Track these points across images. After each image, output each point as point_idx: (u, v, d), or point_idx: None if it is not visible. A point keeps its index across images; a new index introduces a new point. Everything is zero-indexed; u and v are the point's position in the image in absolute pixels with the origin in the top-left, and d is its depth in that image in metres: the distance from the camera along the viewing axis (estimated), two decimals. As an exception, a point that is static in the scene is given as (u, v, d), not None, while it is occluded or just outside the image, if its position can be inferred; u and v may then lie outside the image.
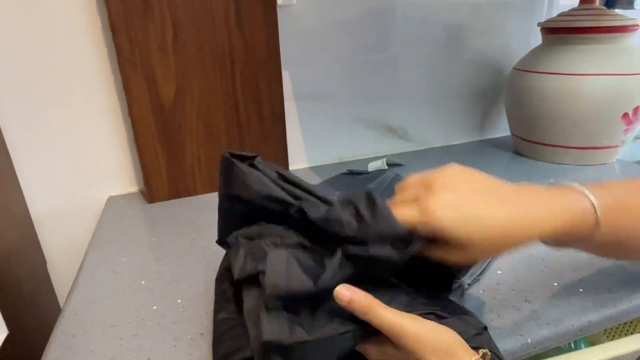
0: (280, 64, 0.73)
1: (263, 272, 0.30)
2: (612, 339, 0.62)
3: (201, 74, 0.68)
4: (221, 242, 0.40)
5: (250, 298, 0.32)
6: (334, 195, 0.36)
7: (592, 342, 0.62)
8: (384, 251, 0.29)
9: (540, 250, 0.52)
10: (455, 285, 0.40)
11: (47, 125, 0.70)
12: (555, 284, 0.46)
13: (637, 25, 0.76)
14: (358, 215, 0.31)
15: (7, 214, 0.64)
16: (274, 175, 0.38)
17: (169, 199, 0.73)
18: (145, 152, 0.69)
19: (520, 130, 0.89)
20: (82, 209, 0.76)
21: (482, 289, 0.44)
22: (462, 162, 0.31)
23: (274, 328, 0.28)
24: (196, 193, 0.75)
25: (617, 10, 0.79)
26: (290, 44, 0.78)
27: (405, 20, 0.86)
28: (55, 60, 0.67)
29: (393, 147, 0.97)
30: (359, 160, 0.92)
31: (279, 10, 0.70)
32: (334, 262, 0.30)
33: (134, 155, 0.75)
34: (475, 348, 0.28)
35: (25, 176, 0.71)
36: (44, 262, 0.75)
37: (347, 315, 0.30)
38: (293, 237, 0.35)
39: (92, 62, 0.69)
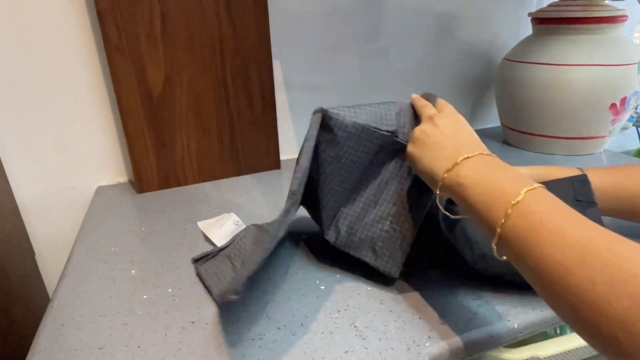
0: (270, 53, 0.72)
1: None
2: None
3: (190, 63, 0.68)
4: None
5: None
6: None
7: (577, 328, 0.63)
8: None
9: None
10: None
11: (34, 114, 0.68)
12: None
13: (625, 16, 0.77)
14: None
15: (-7, 204, 0.63)
16: None
17: (159, 189, 0.73)
18: (134, 142, 0.69)
19: (509, 120, 0.89)
20: (71, 199, 0.75)
21: (471, 277, 0.45)
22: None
23: None
24: (186, 183, 0.74)
25: (606, 1, 0.79)
26: (281, 33, 0.77)
27: (397, 9, 0.86)
28: (42, 48, 0.66)
29: (384, 137, 0.96)
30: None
31: (269, -2, 0.69)
32: None
33: (123, 144, 0.75)
34: None
35: (12, 166, 0.70)
36: (32, 252, 0.74)
37: None
38: None
39: (80, 49, 0.68)
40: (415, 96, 0.48)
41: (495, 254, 0.31)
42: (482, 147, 0.38)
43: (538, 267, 0.27)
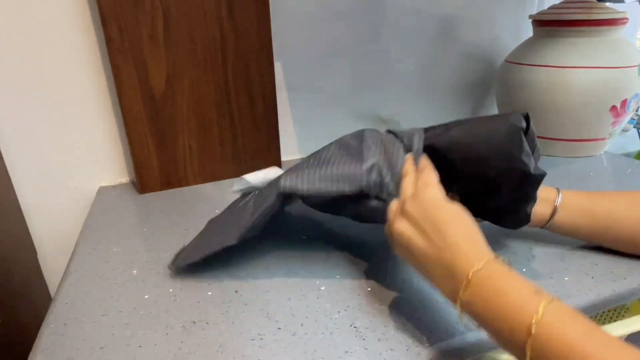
0: (272, 54, 0.72)
1: None
2: (596, 327, 0.63)
3: (192, 64, 0.68)
4: None
5: None
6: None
7: (576, 329, 0.63)
8: None
9: (528, 240, 0.53)
10: None
11: (36, 115, 0.69)
12: (542, 272, 0.47)
13: (626, 19, 0.77)
14: None
15: (-4, 204, 0.63)
16: None
17: (160, 189, 0.73)
18: (135, 142, 0.69)
19: (510, 122, 0.89)
20: (73, 199, 0.75)
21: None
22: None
23: None
24: (187, 184, 0.75)
25: (607, 4, 0.79)
26: (282, 34, 0.77)
27: (398, 11, 0.86)
28: (45, 49, 0.66)
29: (385, 138, 0.97)
30: (350, 151, 0.93)
31: (270, 0, 0.70)
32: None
33: (125, 145, 0.75)
34: None
35: (15, 166, 0.70)
36: (34, 252, 0.75)
37: None
38: None
39: (82, 51, 0.68)
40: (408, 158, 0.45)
41: None
42: (479, 244, 0.35)
43: None
